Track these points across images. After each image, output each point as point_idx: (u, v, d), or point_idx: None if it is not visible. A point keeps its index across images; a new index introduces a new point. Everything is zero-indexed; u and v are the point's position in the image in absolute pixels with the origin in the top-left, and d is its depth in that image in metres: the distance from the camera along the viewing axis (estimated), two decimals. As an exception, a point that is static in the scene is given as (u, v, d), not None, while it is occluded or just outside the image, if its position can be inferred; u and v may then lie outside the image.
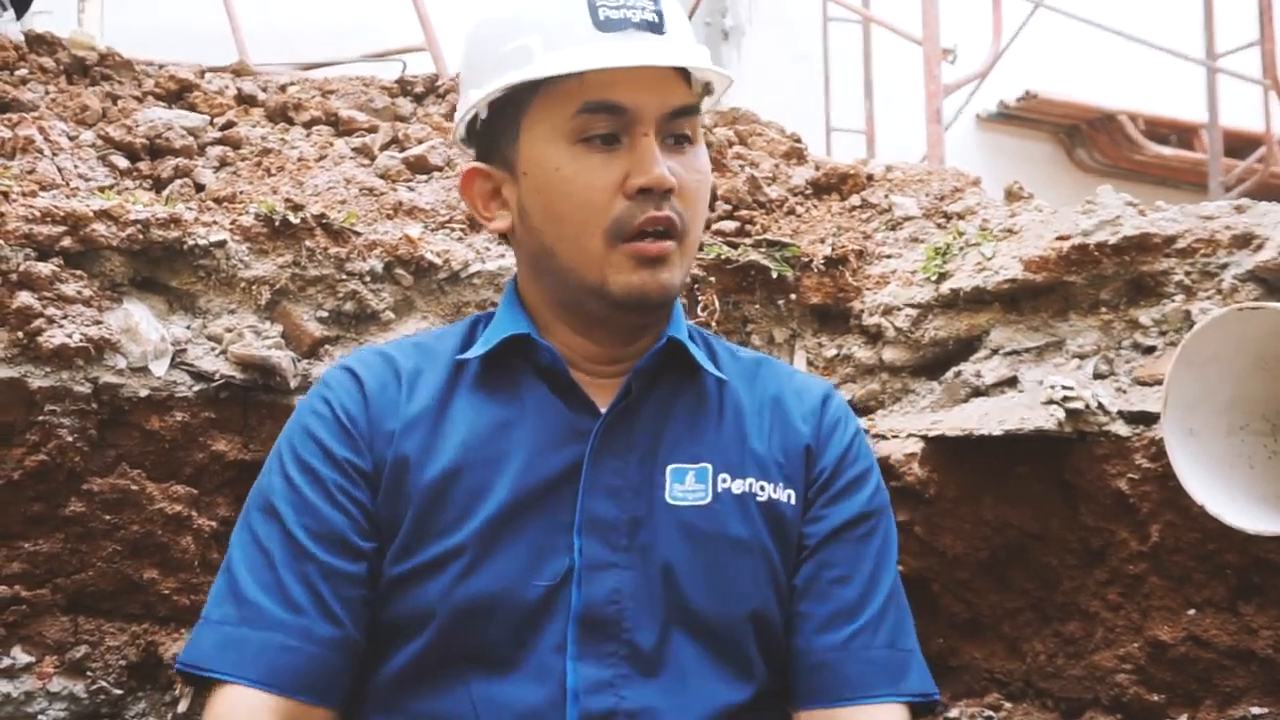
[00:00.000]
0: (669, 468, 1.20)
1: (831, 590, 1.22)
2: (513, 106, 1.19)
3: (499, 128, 1.21)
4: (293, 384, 1.69)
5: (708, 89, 1.26)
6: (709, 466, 1.21)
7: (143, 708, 1.65)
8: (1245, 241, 1.53)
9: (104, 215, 1.68)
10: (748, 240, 1.99)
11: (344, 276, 1.80)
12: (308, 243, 1.78)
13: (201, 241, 1.73)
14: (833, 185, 2.15)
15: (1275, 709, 1.48)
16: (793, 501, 1.23)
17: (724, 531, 1.19)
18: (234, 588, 1.15)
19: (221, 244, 1.74)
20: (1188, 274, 1.56)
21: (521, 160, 1.19)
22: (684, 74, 1.21)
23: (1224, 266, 1.54)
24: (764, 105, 2.71)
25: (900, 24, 4.39)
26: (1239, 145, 5.33)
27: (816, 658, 1.19)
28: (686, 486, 1.19)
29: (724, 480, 1.21)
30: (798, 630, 1.21)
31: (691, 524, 1.18)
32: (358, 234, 1.83)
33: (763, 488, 1.22)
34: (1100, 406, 1.53)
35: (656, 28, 1.17)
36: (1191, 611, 1.54)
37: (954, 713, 1.62)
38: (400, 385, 1.23)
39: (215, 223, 1.77)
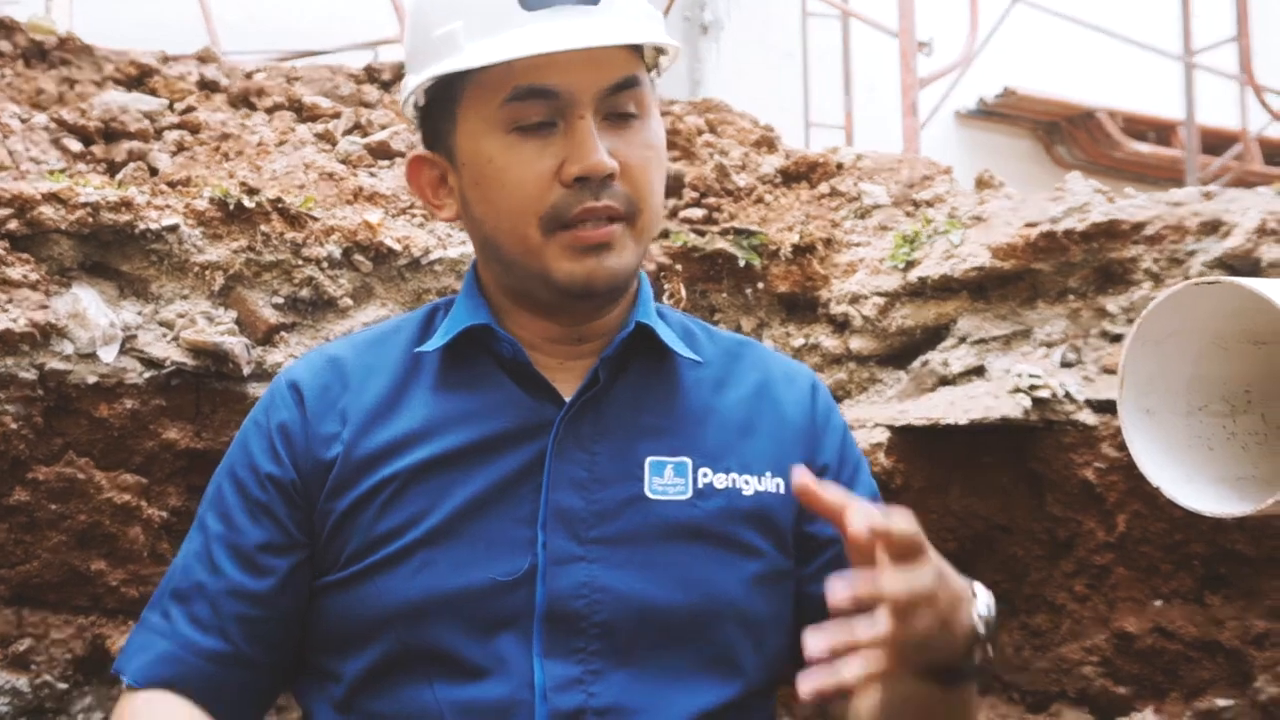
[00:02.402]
0: (648, 460, 1.16)
1: None
2: (448, 95, 1.15)
3: (438, 116, 1.18)
4: (246, 371, 1.65)
5: (662, 52, 1.20)
6: (688, 461, 1.17)
7: (89, 702, 1.60)
8: (1213, 228, 1.51)
9: (52, 198, 1.64)
10: (715, 228, 1.97)
11: (300, 262, 1.76)
12: (263, 227, 1.74)
13: (153, 225, 1.68)
14: (802, 174, 2.12)
15: (1241, 701, 1.47)
16: (781, 490, 1.18)
17: (705, 527, 1.14)
18: (162, 592, 1.18)
19: (174, 228, 1.70)
20: (1156, 261, 1.54)
21: (459, 151, 1.16)
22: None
23: (1192, 253, 1.52)
24: (743, 99, 2.68)
25: (880, 20, 4.39)
26: (1216, 142, 5.35)
27: None
28: (666, 480, 1.15)
29: (705, 475, 1.16)
30: None
31: (671, 518, 1.13)
32: (315, 219, 1.79)
33: (747, 481, 1.17)
34: (1067, 395, 1.51)
35: None
36: (1158, 603, 1.52)
37: (919, 706, 1.59)
38: (346, 386, 1.20)
39: (168, 206, 1.72)
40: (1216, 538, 1.47)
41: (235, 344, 1.65)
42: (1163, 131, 6.34)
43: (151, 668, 1.14)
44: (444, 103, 1.16)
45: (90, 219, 1.64)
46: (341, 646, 1.16)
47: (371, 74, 2.61)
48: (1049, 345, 1.62)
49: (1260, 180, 4.67)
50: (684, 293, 1.91)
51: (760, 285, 1.92)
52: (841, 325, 1.85)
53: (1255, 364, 0.90)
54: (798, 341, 1.89)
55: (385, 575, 1.13)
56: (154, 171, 1.95)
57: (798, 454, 1.22)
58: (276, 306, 1.74)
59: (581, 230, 1.11)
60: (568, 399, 1.16)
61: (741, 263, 1.90)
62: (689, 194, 2.06)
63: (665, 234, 1.94)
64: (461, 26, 1.11)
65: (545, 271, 1.13)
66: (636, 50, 1.15)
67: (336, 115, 2.30)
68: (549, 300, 1.17)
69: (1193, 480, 0.86)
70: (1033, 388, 1.51)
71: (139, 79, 2.31)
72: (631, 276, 1.16)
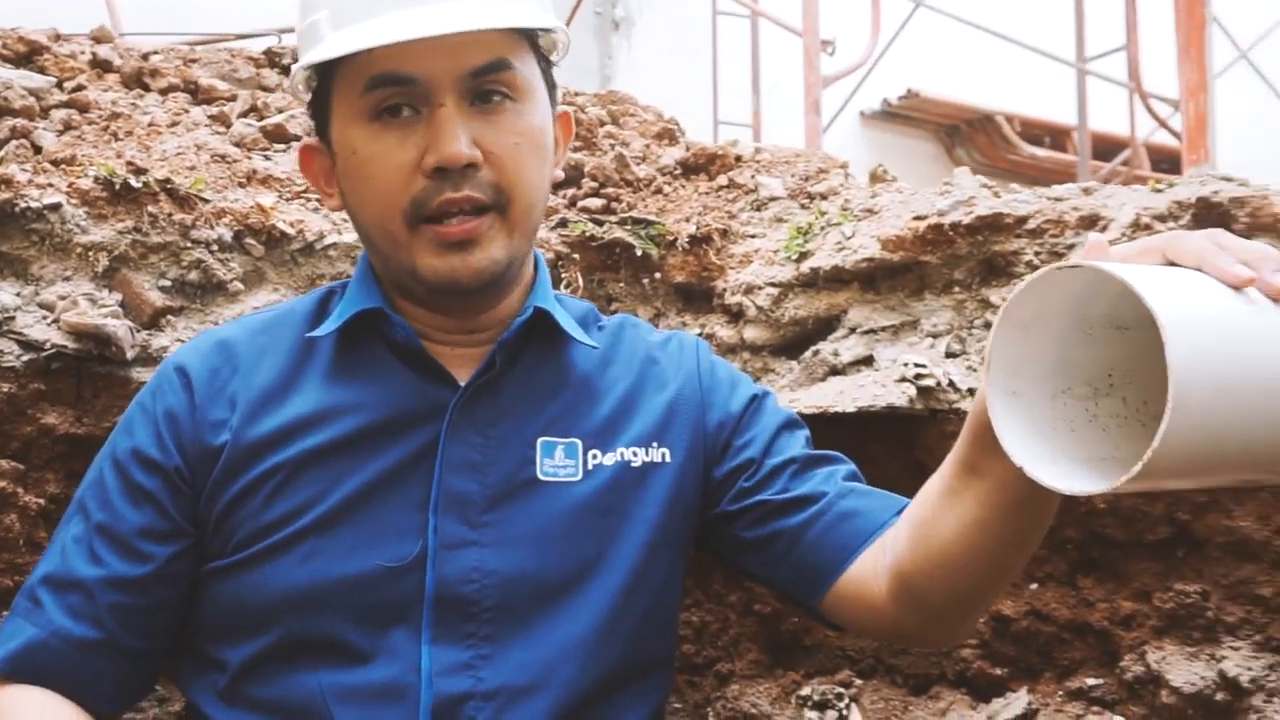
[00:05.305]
0: (539, 441, 1.16)
1: (807, 466, 1.23)
2: (325, 85, 1.15)
3: (319, 105, 1.17)
4: (130, 354, 1.61)
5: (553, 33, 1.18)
6: (578, 442, 1.18)
7: (-39, 694, 1.55)
8: (1092, 222, 1.57)
9: (-74, 174, 1.58)
10: (614, 218, 1.97)
11: (189, 244, 1.72)
12: (150, 208, 1.70)
13: (34, 204, 1.64)
14: (701, 165, 2.14)
15: (1110, 680, 1.52)
16: (666, 460, 1.20)
17: (595, 502, 1.16)
18: (35, 578, 1.17)
19: (56, 207, 1.65)
20: (1037, 254, 1.59)
21: (333, 141, 1.15)
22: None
23: (1071, 247, 1.57)
24: (654, 96, 2.69)
25: (788, 20, 4.44)
26: (1107, 147, 5.52)
27: (839, 508, 1.18)
28: (557, 461, 1.16)
29: (594, 456, 1.18)
30: (801, 510, 1.18)
31: (562, 499, 1.15)
32: (205, 201, 1.76)
33: (635, 454, 1.19)
34: (951, 384, 1.55)
35: None
36: (1034, 586, 1.57)
37: (806, 690, 1.62)
38: (236, 370, 1.18)
39: (51, 185, 1.68)
40: (1089, 522, 1.53)
41: (119, 327, 1.61)
42: (1057, 136, 6.53)
43: (19, 656, 1.12)
44: (322, 92, 1.16)
45: (-33, 196, 1.59)
46: (228, 634, 1.15)
47: (272, 58, 2.56)
48: (935, 336, 1.66)
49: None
50: (581, 281, 1.91)
51: (658, 275, 1.94)
52: (736, 315, 1.87)
53: (1118, 348, 0.93)
54: (693, 331, 1.91)
55: (273, 562, 1.12)
56: (38, 150, 1.89)
57: (688, 419, 1.23)
58: (163, 289, 1.70)
59: (444, 226, 1.10)
60: (463, 383, 1.16)
61: (639, 252, 1.91)
62: (588, 184, 2.07)
63: (564, 223, 1.94)
64: (325, 16, 1.11)
65: (412, 265, 1.13)
66: (515, 31, 1.13)
67: (233, 98, 2.26)
68: (422, 294, 1.17)
69: (1058, 461, 0.89)
70: (918, 377, 1.55)
71: (28, 56, 2.24)
72: (504, 269, 1.14)
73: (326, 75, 1.14)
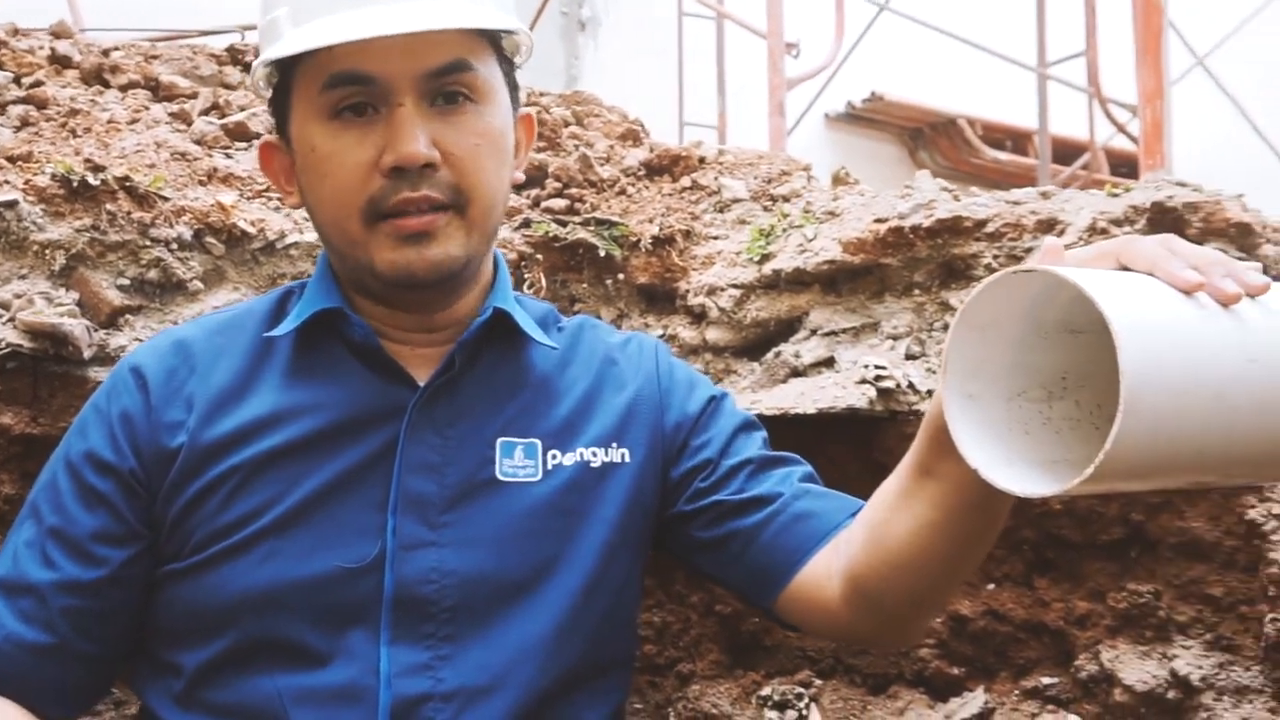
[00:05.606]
0: (499, 441, 1.16)
1: (763, 467, 1.23)
2: (285, 82, 1.15)
3: (280, 102, 1.17)
4: (87, 354, 1.59)
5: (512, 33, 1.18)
6: (538, 442, 1.18)
7: (-89, 699, 1.53)
8: (1049, 226, 1.59)
9: (-122, 169, 1.56)
10: (577, 219, 1.97)
11: (148, 243, 1.71)
12: (109, 206, 1.69)
13: (-11, 201, 1.62)
14: (665, 167, 2.14)
15: (1064, 679, 1.54)
16: (627, 460, 1.20)
17: (554, 503, 1.16)
18: None
19: (12, 204, 1.63)
20: (995, 257, 1.61)
21: (293, 140, 1.15)
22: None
23: (1030, 250, 1.59)
24: (620, 97, 2.70)
25: (753, 22, 4.46)
26: (1067, 151, 5.58)
27: (794, 509, 1.18)
28: (516, 461, 1.16)
29: (554, 456, 1.18)
30: (757, 511, 1.19)
31: (522, 499, 1.15)
32: (165, 199, 1.75)
33: (595, 454, 1.19)
34: (911, 386, 1.57)
35: None
36: (991, 586, 1.59)
37: (766, 690, 1.64)
38: (193, 370, 1.17)
39: (7, 182, 1.66)
40: (1044, 523, 1.55)
41: (76, 326, 1.59)
42: (1019, 140, 6.60)
43: None
44: (283, 89, 1.16)
45: (-80, 193, 1.57)
46: (184, 637, 1.14)
47: (235, 55, 2.54)
48: (895, 338, 1.68)
49: (1108, 189, 4.88)
50: (544, 282, 1.92)
51: (621, 276, 1.94)
52: (699, 317, 1.88)
53: (1072, 352, 0.95)
54: (656, 332, 1.91)
55: (230, 564, 1.11)
56: (-7, 146, 1.87)
57: (647, 420, 1.23)
58: (122, 288, 1.69)
59: (401, 219, 1.10)
60: (422, 384, 1.16)
61: (602, 253, 1.92)
62: (552, 184, 2.07)
63: (527, 224, 1.94)
64: (285, 13, 1.11)
65: (370, 262, 1.13)
66: (477, 33, 1.13)
67: (194, 95, 2.24)
68: (379, 291, 1.17)
69: (1012, 463, 0.90)
70: (878, 378, 1.56)
71: (-17, 52, 2.21)
72: (460, 266, 1.14)
73: (287, 72, 1.14)
